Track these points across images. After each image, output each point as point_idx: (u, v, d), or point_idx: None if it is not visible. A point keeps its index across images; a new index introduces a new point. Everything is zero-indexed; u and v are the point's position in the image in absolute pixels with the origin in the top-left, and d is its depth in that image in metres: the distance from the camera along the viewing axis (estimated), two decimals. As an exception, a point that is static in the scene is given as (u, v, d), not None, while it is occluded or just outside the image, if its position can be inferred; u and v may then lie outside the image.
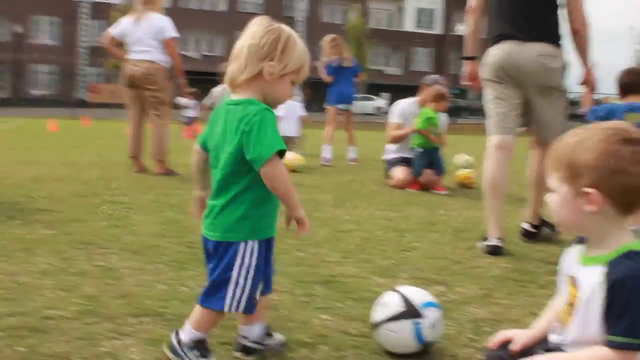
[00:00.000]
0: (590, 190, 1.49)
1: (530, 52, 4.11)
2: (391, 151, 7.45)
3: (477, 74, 4.42)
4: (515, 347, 1.60)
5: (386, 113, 8.71)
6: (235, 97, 2.04)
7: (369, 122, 26.21)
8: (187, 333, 2.08)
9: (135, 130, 7.47)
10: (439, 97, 6.96)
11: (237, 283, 2.02)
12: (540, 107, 4.25)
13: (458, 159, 8.82)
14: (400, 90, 54.00)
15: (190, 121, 16.28)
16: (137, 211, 4.89)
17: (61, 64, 50.78)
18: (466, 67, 4.51)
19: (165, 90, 7.32)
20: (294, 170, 7.86)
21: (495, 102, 4.29)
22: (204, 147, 2.16)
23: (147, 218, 4.63)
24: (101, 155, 9.67)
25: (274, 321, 2.56)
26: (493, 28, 4.31)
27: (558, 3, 4.20)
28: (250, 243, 2.04)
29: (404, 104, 7.50)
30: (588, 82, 4.40)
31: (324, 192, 6.49)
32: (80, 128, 19.29)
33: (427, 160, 6.90)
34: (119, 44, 7.50)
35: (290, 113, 9.50)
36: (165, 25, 7.22)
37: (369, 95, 48.26)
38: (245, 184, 2.00)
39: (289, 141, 9.27)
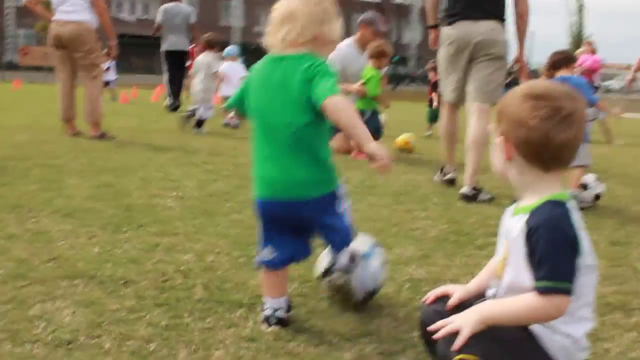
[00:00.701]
0: (500, 138, 1.60)
1: (481, 28, 4.83)
2: None
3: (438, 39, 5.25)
4: (452, 301, 1.62)
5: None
6: (287, 54, 2.09)
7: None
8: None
9: (66, 93, 7.21)
10: (380, 54, 6.74)
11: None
12: (483, 74, 4.90)
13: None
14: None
15: (111, 84, 15.45)
16: (71, 175, 4.75)
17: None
18: (431, 34, 5.42)
19: (95, 52, 7.08)
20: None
21: (448, 71, 5.14)
22: (241, 111, 2.25)
23: (81, 181, 4.50)
24: (33, 118, 9.34)
25: (211, 282, 2.54)
26: (449, 7, 5.01)
27: None
28: None
29: (344, 48, 6.86)
30: (521, 61, 5.38)
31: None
32: (10, 92, 18.58)
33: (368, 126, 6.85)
34: (45, 3, 7.21)
35: (233, 73, 9.49)
36: None
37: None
38: (311, 136, 2.07)
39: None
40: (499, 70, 4.93)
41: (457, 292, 1.65)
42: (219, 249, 3.01)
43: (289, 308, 2.20)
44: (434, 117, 9.95)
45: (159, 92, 17.07)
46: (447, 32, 5.01)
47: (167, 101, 11.83)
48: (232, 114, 9.11)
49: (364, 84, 6.71)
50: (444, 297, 1.66)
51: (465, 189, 4.66)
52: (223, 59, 10.34)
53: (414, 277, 2.79)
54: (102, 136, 7.07)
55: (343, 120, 1.98)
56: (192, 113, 8.46)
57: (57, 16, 7.00)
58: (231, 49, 10.64)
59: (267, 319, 2.14)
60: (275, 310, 2.15)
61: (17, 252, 2.79)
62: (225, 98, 9.67)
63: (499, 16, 4.90)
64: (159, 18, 11.34)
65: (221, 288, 2.48)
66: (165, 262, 2.77)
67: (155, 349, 1.92)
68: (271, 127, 2.09)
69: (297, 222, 2.14)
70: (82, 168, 5.07)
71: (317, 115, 2.02)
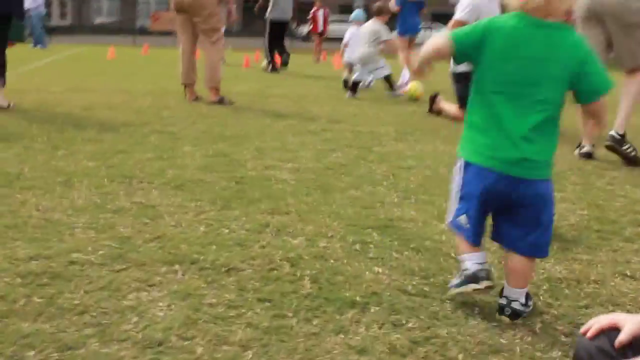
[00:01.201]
0: None
1: None
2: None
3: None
4: (623, 337, 1.21)
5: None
6: (547, 21, 1.90)
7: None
8: (521, 295, 2.01)
9: (187, 58, 7.16)
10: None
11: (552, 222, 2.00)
12: (620, 41, 4.72)
13: None
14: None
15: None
16: (186, 142, 4.64)
17: (123, -10, 50.85)
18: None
19: (215, 16, 6.97)
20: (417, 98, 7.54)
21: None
22: (461, 52, 2.01)
23: (195, 150, 4.38)
24: (156, 83, 9.46)
25: (321, 273, 2.27)
26: None
27: None
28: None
29: None
30: None
31: (385, 124, 6.10)
32: (139, 56, 19.15)
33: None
34: None
35: (355, 40, 9.24)
36: None
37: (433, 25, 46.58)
38: (557, 116, 1.95)
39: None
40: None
41: (628, 324, 1.24)
42: (332, 232, 2.73)
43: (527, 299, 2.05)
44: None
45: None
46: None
47: (265, 65, 12.89)
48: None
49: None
50: (611, 331, 1.26)
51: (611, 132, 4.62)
52: (350, 22, 10.22)
53: (552, 275, 2.40)
54: (221, 101, 6.98)
55: (604, 119, 2.05)
56: (356, 82, 8.32)
57: None
58: (357, 13, 10.31)
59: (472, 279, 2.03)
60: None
61: (121, 229, 2.65)
62: (348, 64, 9.63)
63: None
64: None
65: (332, 282, 2.21)
66: (274, 247, 2.53)
67: (251, 358, 1.68)
68: (518, 98, 1.91)
69: (504, 201, 1.97)
70: (198, 135, 4.96)
71: (564, 98, 1.94)
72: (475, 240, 2.04)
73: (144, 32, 42.22)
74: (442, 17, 51.03)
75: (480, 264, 2.04)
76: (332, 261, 2.41)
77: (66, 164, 3.81)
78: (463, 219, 2.01)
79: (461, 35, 1.97)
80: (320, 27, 18.18)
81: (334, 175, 3.85)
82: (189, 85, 7.22)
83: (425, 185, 3.71)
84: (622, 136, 4.63)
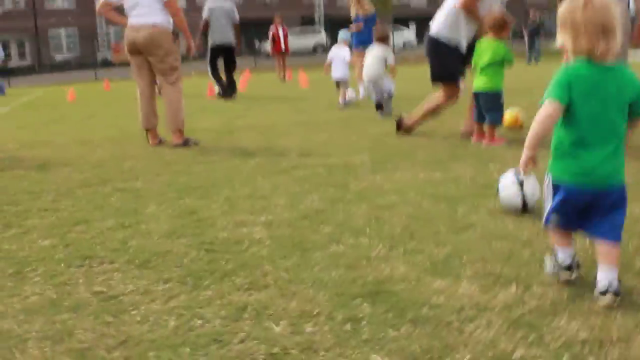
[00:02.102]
0: None
1: None
2: None
3: None
4: None
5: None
6: (611, 65, 2.41)
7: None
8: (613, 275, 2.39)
9: (146, 102, 6.84)
10: (502, 24, 5.78)
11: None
12: None
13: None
14: (426, 21, 51.93)
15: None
16: (149, 200, 4.32)
17: (80, 25, 50.17)
18: None
19: (172, 54, 6.66)
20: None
21: None
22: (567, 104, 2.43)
23: (160, 210, 4.06)
24: (117, 125, 9.12)
25: (311, 376, 1.97)
26: None
27: None
28: None
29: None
30: None
31: (358, 151, 5.85)
32: (101, 92, 18.76)
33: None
34: (118, 8, 6.84)
35: (339, 57, 10.39)
36: None
37: (396, 25, 46.61)
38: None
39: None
40: None
41: None
42: (318, 309, 2.44)
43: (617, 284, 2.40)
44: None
45: (242, 81, 16.76)
46: None
47: (217, 92, 13.26)
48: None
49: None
50: None
51: None
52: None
53: (573, 339, 2.13)
54: (186, 143, 6.68)
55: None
56: (380, 103, 8.78)
57: (130, 20, 6.65)
58: (345, 34, 10.91)
59: (568, 268, 2.56)
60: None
61: (81, 335, 2.33)
62: (336, 82, 10.42)
63: None
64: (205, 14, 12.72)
65: (325, 386, 1.91)
66: (254, 339, 2.22)
67: None
68: (601, 126, 2.41)
69: (590, 207, 2.46)
70: (163, 190, 4.64)
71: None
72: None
73: (106, 64, 41.80)
74: (403, 21, 51.33)
75: (572, 256, 2.58)
76: (322, 353, 2.11)
77: (18, 246, 3.47)
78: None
79: (559, 92, 2.41)
80: (282, 46, 18.16)
81: (312, 226, 3.56)
82: (150, 129, 6.90)
83: (411, 228, 3.44)
84: None
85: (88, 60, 42.77)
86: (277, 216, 3.79)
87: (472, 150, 5.69)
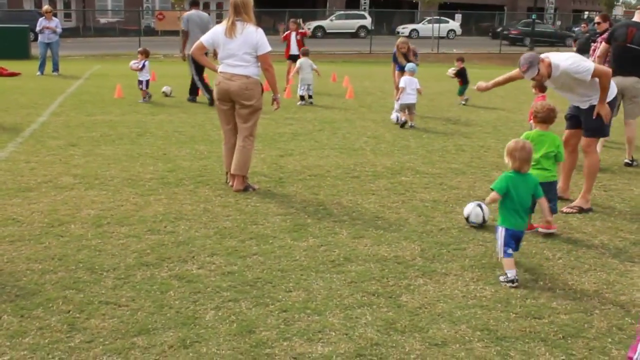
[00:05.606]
0: None
1: None
2: None
3: None
4: None
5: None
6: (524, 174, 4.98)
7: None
8: None
9: (229, 150, 7.24)
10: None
11: None
12: None
13: None
14: (472, 9, 50.81)
15: (145, 85, 14.49)
16: (208, 300, 4.39)
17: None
18: None
19: (260, 106, 7.12)
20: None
21: None
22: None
23: (218, 319, 4.13)
24: (168, 155, 8.96)
25: None
26: None
27: None
28: None
29: None
30: None
31: (406, 234, 5.85)
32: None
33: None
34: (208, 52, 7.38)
35: (410, 85, 12.13)
36: (260, 40, 6.87)
37: (442, 18, 46.01)
38: None
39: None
40: None
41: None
42: None
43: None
44: None
45: (287, 89, 16.67)
46: None
47: (209, 100, 13.68)
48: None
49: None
50: None
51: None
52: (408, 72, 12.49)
53: None
54: (246, 189, 7.15)
55: None
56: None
57: (225, 69, 6.98)
58: (413, 66, 12.50)
59: (512, 281, 4.76)
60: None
61: None
62: (405, 107, 12.13)
63: None
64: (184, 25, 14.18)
65: None
66: None
67: None
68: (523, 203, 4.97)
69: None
70: (219, 283, 4.69)
71: None
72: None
73: (148, 32, 42.18)
74: (450, 8, 50.67)
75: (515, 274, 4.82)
76: None
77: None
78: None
79: (500, 186, 4.94)
80: (293, 51, 16.86)
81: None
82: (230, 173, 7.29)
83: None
84: None
85: (131, 26, 43.18)
86: (334, 347, 3.83)
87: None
